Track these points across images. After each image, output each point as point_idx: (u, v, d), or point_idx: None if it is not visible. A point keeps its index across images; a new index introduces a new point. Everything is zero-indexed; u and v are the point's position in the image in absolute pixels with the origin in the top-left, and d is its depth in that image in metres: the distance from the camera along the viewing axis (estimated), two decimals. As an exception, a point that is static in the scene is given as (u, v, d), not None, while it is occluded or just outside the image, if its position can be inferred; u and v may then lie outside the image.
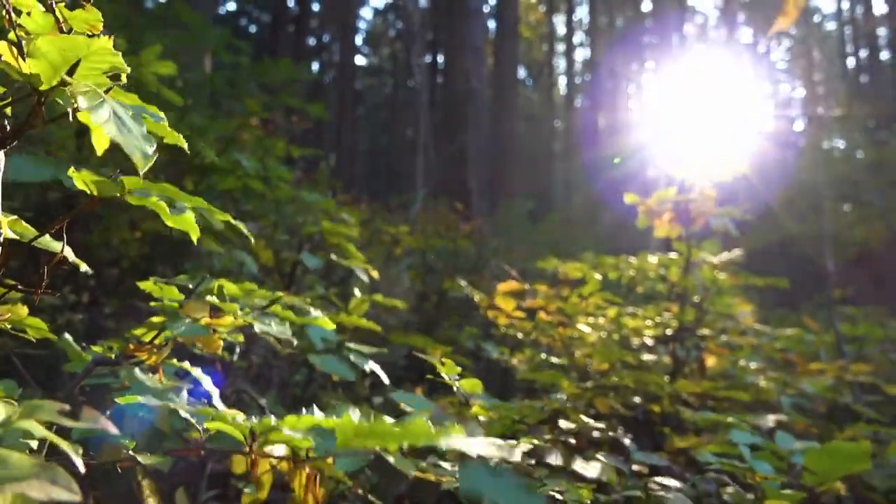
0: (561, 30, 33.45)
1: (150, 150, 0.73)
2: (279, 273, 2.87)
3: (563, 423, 1.20)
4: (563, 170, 27.33)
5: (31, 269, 2.15)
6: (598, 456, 1.23)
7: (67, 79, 0.73)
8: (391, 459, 1.38)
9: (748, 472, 1.30)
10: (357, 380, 2.50)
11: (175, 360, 1.24)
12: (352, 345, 2.00)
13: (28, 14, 0.87)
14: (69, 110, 0.82)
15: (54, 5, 0.85)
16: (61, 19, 0.85)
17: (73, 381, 1.14)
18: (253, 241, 1.02)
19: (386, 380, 1.83)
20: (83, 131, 2.64)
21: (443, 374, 1.24)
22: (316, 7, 31.63)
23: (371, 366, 1.81)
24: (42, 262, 0.97)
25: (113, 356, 1.17)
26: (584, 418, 1.10)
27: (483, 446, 0.86)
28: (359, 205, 6.37)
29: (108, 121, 0.72)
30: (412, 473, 1.38)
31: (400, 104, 31.94)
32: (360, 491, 1.51)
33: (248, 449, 0.86)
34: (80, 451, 0.61)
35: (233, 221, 0.95)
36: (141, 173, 0.74)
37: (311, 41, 32.48)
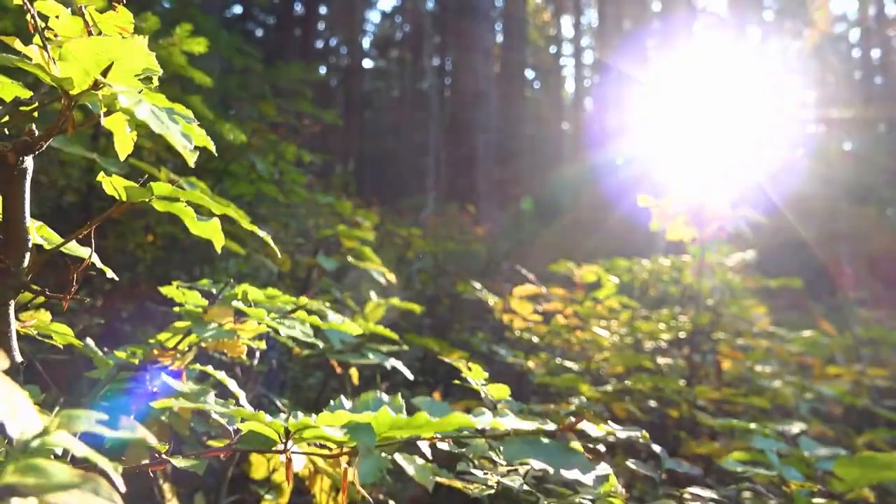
0: (569, 32, 33.42)
1: (191, 145, 0.73)
2: (292, 277, 2.86)
3: (589, 429, 1.19)
4: (571, 172, 27.28)
5: (50, 273, 2.15)
6: (629, 463, 1.22)
7: (102, 80, 0.73)
8: (411, 471, 1.37)
9: (775, 479, 1.28)
10: (376, 383, 2.49)
11: (198, 365, 1.23)
12: (371, 345, 2.00)
13: (56, 18, 0.87)
14: (100, 114, 0.82)
15: (84, 9, 0.84)
16: (91, 23, 0.84)
17: (97, 387, 1.13)
18: (275, 247, 1.02)
19: (409, 375, 1.83)
20: (98, 136, 2.64)
21: (469, 380, 1.23)
22: (323, 10, 31.70)
23: (392, 362, 1.81)
24: (71, 268, 0.96)
25: (136, 361, 1.16)
26: (612, 424, 1.09)
27: (517, 422, 0.86)
28: (370, 208, 6.37)
29: (149, 117, 0.72)
30: (432, 484, 1.36)
31: (407, 107, 31.97)
32: (380, 496, 1.50)
33: (282, 447, 0.85)
34: (119, 467, 0.60)
35: (258, 232, 0.94)
36: (191, 163, 0.75)
37: (318, 44, 32.56)
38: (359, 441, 0.75)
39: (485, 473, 0.93)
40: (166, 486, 1.56)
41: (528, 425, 0.85)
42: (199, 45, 2.39)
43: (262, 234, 0.92)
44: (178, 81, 2.86)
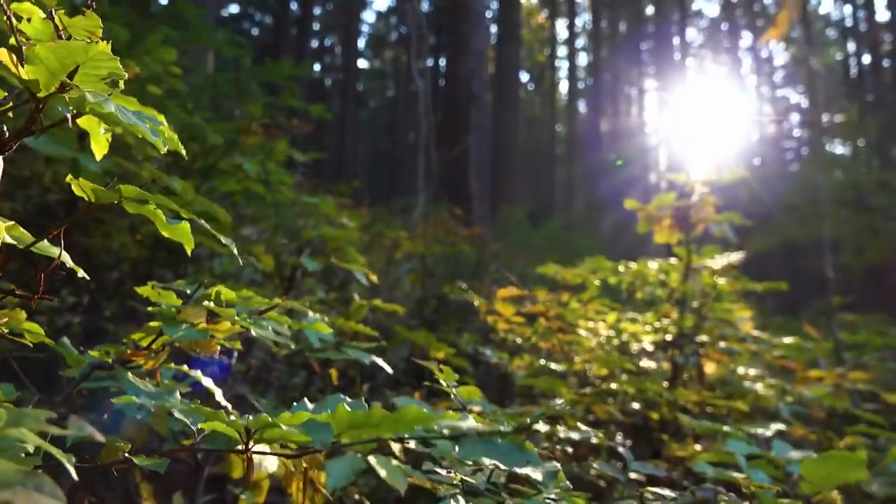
0: (563, 33, 33.49)
1: (161, 139, 0.74)
2: (279, 277, 2.87)
3: (561, 432, 1.20)
4: (564, 173, 27.38)
5: (30, 271, 2.15)
6: (595, 464, 1.23)
7: (69, 82, 0.74)
8: (383, 473, 1.38)
9: (744, 481, 1.30)
10: (356, 383, 2.50)
11: (173, 364, 1.24)
12: (352, 343, 2.01)
13: (28, 20, 0.87)
14: (67, 116, 0.83)
15: (54, 12, 0.85)
16: (61, 26, 0.85)
17: (70, 386, 1.14)
18: (236, 254, 1.02)
19: (389, 370, 1.84)
20: (84, 134, 2.64)
21: (441, 381, 1.24)
22: (318, 10, 31.68)
23: (373, 359, 1.83)
24: (40, 266, 0.97)
25: (110, 360, 1.17)
26: (582, 426, 1.10)
27: (473, 423, 0.87)
28: (360, 208, 6.37)
29: (116, 112, 0.73)
30: (404, 485, 1.37)
31: (402, 107, 32.00)
32: (356, 496, 1.51)
33: (243, 448, 0.86)
34: (73, 458, 0.61)
35: (223, 239, 0.95)
36: (163, 150, 0.77)
37: (314, 44, 32.55)
38: (315, 439, 0.76)
39: (448, 472, 0.94)
40: (143, 486, 1.57)
41: (485, 427, 0.87)
42: (169, 55, 2.44)
43: (225, 241, 0.93)
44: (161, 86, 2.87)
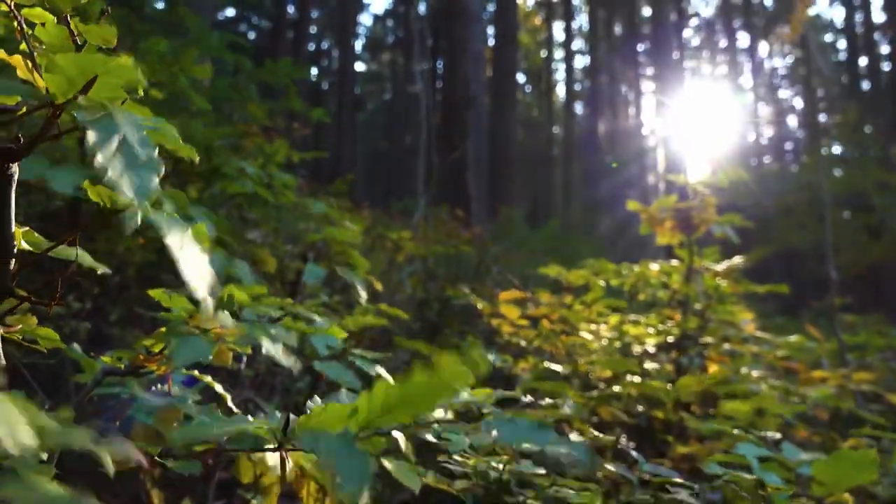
0: (560, 36, 33.55)
1: (154, 182, 0.72)
2: (282, 281, 2.86)
3: (572, 436, 1.20)
4: (562, 175, 27.41)
5: (37, 276, 2.15)
6: (607, 466, 1.24)
7: (81, 100, 0.74)
8: (396, 471, 1.38)
9: (756, 483, 1.30)
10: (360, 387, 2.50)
11: (184, 370, 1.24)
12: (357, 351, 2.01)
13: (42, 25, 0.87)
14: (83, 125, 0.82)
15: (69, 18, 0.85)
16: (76, 32, 0.85)
17: (83, 392, 1.14)
18: (257, 251, 1.03)
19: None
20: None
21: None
22: (315, 13, 31.68)
23: (377, 370, 1.82)
24: (54, 271, 0.97)
25: (122, 366, 1.17)
26: (592, 431, 1.11)
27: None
28: (360, 211, 6.37)
29: (113, 156, 0.72)
30: (418, 486, 1.37)
31: (399, 110, 32.02)
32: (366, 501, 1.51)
33: (276, 446, 0.86)
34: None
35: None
36: (137, 222, 0.75)
37: (311, 47, 32.56)
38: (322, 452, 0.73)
39: (463, 457, 0.94)
40: (154, 492, 1.57)
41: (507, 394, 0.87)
42: (203, 73, 2.46)
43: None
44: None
